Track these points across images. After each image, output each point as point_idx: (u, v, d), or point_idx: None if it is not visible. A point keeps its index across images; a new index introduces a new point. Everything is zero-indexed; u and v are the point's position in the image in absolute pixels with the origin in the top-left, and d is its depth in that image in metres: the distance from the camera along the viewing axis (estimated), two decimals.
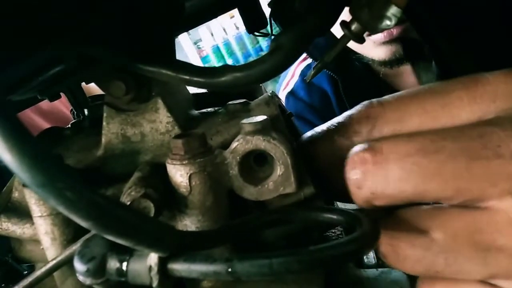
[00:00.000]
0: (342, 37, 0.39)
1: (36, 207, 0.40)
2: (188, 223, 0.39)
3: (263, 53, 0.41)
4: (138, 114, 0.44)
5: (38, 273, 0.39)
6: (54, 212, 0.40)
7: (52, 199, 0.24)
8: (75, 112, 0.61)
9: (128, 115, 0.44)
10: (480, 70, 0.34)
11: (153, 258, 0.30)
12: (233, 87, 0.36)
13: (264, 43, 3.54)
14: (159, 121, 0.43)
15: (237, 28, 3.50)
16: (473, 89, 0.33)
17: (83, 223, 0.26)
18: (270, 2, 0.46)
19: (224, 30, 3.52)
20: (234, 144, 0.39)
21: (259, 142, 0.38)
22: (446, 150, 0.30)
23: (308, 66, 1.38)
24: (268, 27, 0.60)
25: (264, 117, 0.40)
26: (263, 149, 0.38)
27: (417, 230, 0.32)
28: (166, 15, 0.44)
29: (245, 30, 0.63)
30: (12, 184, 0.46)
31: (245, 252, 0.41)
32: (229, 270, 0.28)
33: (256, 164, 0.40)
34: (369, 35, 1.11)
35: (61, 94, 0.59)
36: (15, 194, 0.45)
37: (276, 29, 0.49)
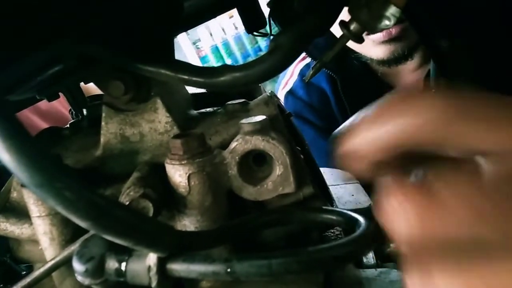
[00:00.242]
0: (341, 37, 0.39)
1: (34, 207, 0.40)
2: (187, 223, 0.39)
3: (262, 53, 0.41)
4: (137, 114, 0.43)
5: (36, 273, 0.39)
6: (52, 212, 0.40)
7: (50, 199, 0.24)
8: (74, 112, 0.61)
9: (127, 115, 0.43)
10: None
11: (152, 258, 0.30)
12: (232, 87, 0.36)
13: (263, 43, 3.54)
14: (158, 121, 0.43)
15: (236, 28, 3.50)
16: None
17: (82, 223, 0.26)
18: (269, 2, 0.46)
19: (223, 30, 3.52)
20: (233, 144, 0.39)
21: (258, 142, 0.38)
22: None
23: (307, 65, 1.39)
24: (267, 27, 0.60)
25: (263, 117, 0.40)
26: (262, 149, 0.38)
27: None
28: (165, 15, 0.44)
29: (244, 30, 0.62)
30: (10, 184, 0.46)
31: (244, 252, 0.41)
32: (228, 270, 0.28)
33: (255, 164, 0.40)
34: (368, 34, 1.11)
35: (60, 94, 0.59)
36: (14, 194, 0.45)
37: (275, 29, 0.49)
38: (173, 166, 0.37)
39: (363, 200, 0.64)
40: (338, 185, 0.71)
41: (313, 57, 1.22)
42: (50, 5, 0.30)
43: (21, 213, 0.44)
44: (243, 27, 0.61)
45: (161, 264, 0.30)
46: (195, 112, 0.49)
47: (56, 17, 0.31)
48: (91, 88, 0.59)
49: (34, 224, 0.41)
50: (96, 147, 0.44)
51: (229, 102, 0.46)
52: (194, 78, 0.37)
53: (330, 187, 0.63)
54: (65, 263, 0.38)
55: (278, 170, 0.38)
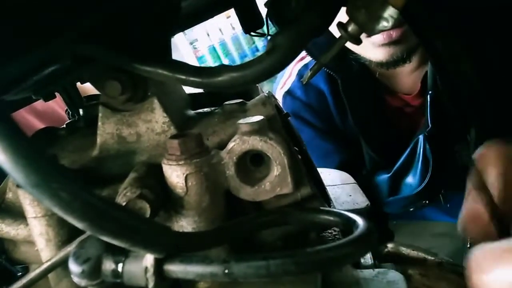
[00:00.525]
0: (338, 38, 0.39)
1: (30, 208, 0.40)
2: (185, 224, 0.39)
3: (259, 54, 0.41)
4: (134, 114, 0.43)
5: (32, 274, 0.38)
6: (48, 213, 0.40)
7: (46, 199, 0.24)
8: (70, 112, 0.61)
9: (124, 115, 0.43)
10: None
11: (149, 259, 0.30)
12: (230, 87, 0.36)
13: (260, 43, 3.54)
14: (155, 121, 0.43)
15: (233, 28, 3.50)
16: None
17: (78, 224, 0.26)
18: (267, 2, 0.46)
19: (220, 30, 3.52)
20: (230, 145, 0.39)
21: (256, 142, 0.38)
22: None
23: (305, 65, 1.39)
24: (265, 27, 0.60)
25: (261, 117, 0.39)
26: (260, 150, 0.38)
27: None
28: (162, 15, 0.43)
29: (242, 31, 0.62)
30: (6, 185, 0.46)
31: (242, 253, 0.41)
32: (226, 271, 0.28)
33: (252, 164, 0.40)
34: (368, 36, 1.10)
35: (56, 94, 0.59)
36: (9, 195, 0.45)
37: (272, 29, 0.49)
38: (170, 166, 0.37)
39: (361, 200, 0.64)
40: (335, 185, 0.71)
41: (314, 57, 1.22)
42: (48, 5, 0.29)
43: (16, 214, 0.44)
44: (240, 27, 0.61)
45: (158, 265, 0.29)
46: (192, 112, 0.49)
47: (53, 17, 0.31)
48: (88, 88, 0.59)
49: (30, 225, 0.41)
50: (92, 148, 0.44)
51: (226, 102, 0.46)
52: (192, 78, 0.37)
53: (327, 187, 0.63)
54: (62, 264, 0.38)
55: (275, 171, 0.38)
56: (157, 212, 0.37)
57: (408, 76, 1.27)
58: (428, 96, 1.09)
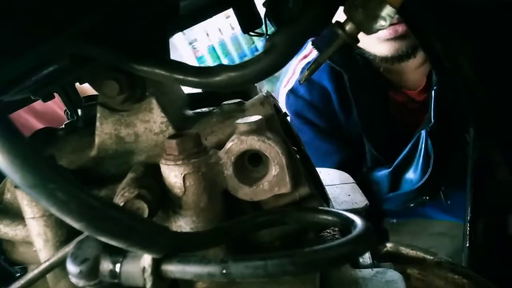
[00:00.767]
0: (336, 38, 0.39)
1: (28, 209, 0.40)
2: (183, 224, 0.39)
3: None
4: (132, 114, 0.43)
5: (30, 275, 0.38)
6: (46, 213, 0.39)
7: (43, 200, 0.24)
8: (69, 113, 0.60)
9: (122, 115, 0.43)
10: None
11: (146, 259, 0.29)
12: (228, 86, 0.36)
13: (259, 43, 3.54)
14: (153, 121, 0.43)
15: (233, 28, 3.49)
16: None
17: (75, 225, 0.26)
18: (265, 2, 0.46)
19: (220, 30, 3.52)
20: (228, 144, 0.39)
21: (254, 142, 0.38)
22: None
23: (309, 63, 1.38)
24: (263, 26, 0.60)
25: (259, 117, 0.39)
26: (258, 149, 0.38)
27: None
28: (161, 15, 0.43)
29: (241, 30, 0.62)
30: (4, 186, 0.46)
31: (240, 253, 0.41)
32: (224, 271, 0.28)
33: (251, 164, 0.40)
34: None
35: (55, 94, 0.59)
36: (7, 196, 0.45)
37: (271, 29, 0.49)
38: (168, 166, 0.37)
39: (360, 200, 0.64)
40: (334, 185, 0.71)
41: (320, 50, 1.22)
42: (47, 5, 0.29)
43: (15, 215, 0.44)
44: (239, 27, 0.61)
45: (156, 265, 0.29)
46: (190, 112, 0.48)
47: (52, 16, 0.30)
48: (87, 88, 0.59)
49: (28, 226, 0.41)
50: (90, 148, 0.44)
51: (225, 102, 0.46)
52: (189, 78, 0.36)
53: (326, 187, 0.63)
54: (60, 265, 0.38)
55: (274, 170, 0.38)
56: (155, 212, 0.37)
57: (413, 72, 1.26)
58: (433, 91, 1.09)
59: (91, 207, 0.26)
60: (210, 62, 3.52)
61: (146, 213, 0.36)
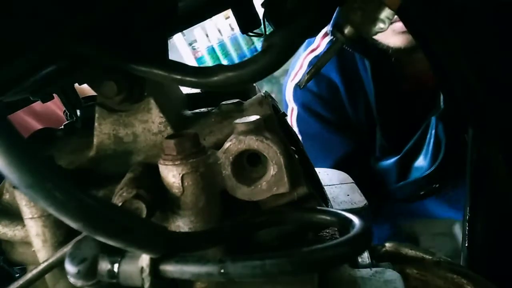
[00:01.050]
0: (335, 41, 0.39)
1: (27, 209, 0.40)
2: (181, 224, 0.39)
3: None
4: (130, 115, 0.43)
5: (29, 275, 0.38)
6: (45, 213, 0.39)
7: (41, 200, 0.24)
8: (68, 113, 0.60)
9: (120, 116, 0.43)
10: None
11: (145, 259, 0.30)
12: (226, 86, 0.36)
13: (259, 44, 3.54)
14: (151, 122, 0.43)
15: (232, 29, 3.49)
16: None
17: (73, 225, 0.26)
18: (263, 2, 0.46)
19: (219, 31, 3.52)
20: (227, 144, 0.39)
21: (252, 142, 0.38)
22: None
23: (316, 57, 1.39)
24: (262, 27, 0.60)
25: (257, 117, 0.39)
26: (256, 149, 0.38)
27: None
28: (159, 15, 0.43)
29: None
30: (3, 186, 0.46)
31: (238, 252, 0.41)
32: (222, 271, 0.28)
33: (249, 164, 0.40)
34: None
35: (54, 95, 0.59)
36: (6, 196, 0.45)
37: (270, 29, 0.49)
38: (166, 166, 0.37)
39: (358, 200, 0.64)
40: (333, 185, 0.71)
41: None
42: (46, 4, 0.29)
43: (13, 215, 0.44)
44: (238, 28, 0.61)
45: (154, 265, 0.29)
46: (189, 112, 0.48)
47: (50, 16, 0.30)
48: (86, 89, 0.59)
49: (26, 226, 0.41)
50: (89, 148, 0.44)
51: (223, 102, 0.46)
52: (188, 78, 0.36)
53: (325, 187, 0.63)
54: (58, 265, 0.38)
55: (272, 170, 0.38)
56: (153, 212, 0.37)
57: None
58: None
59: (89, 207, 0.26)
60: (210, 63, 3.52)
61: (144, 213, 0.36)
